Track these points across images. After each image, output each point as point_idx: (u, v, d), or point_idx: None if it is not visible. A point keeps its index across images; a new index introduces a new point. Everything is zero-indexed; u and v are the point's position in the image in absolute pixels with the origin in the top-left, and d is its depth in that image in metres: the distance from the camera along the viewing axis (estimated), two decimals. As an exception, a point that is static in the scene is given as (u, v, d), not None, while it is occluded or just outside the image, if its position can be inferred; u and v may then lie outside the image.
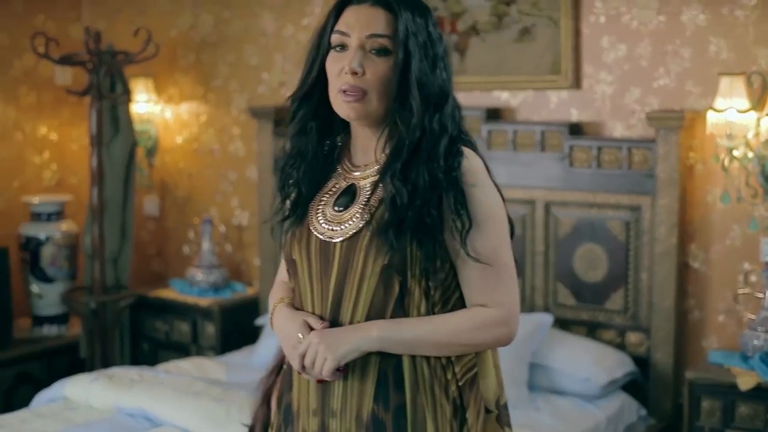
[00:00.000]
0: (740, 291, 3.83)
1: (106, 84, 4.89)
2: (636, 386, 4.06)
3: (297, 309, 1.98)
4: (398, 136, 1.90)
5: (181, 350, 4.96)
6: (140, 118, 5.39)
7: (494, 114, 4.41)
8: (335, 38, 1.92)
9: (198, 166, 5.42)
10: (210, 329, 4.88)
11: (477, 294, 1.90)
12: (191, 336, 4.97)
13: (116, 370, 3.99)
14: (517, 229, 4.25)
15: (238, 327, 4.87)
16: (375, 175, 1.93)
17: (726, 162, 3.82)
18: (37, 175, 5.50)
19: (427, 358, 1.88)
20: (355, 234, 1.88)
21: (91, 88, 4.83)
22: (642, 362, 4.05)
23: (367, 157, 1.98)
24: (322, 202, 1.97)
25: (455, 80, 4.23)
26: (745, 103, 3.74)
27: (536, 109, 4.37)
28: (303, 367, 1.88)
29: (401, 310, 1.87)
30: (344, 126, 2.03)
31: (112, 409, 3.66)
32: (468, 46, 4.45)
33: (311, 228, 1.95)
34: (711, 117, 3.84)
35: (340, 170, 2.01)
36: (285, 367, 2.06)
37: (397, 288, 1.86)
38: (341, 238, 1.90)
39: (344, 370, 1.88)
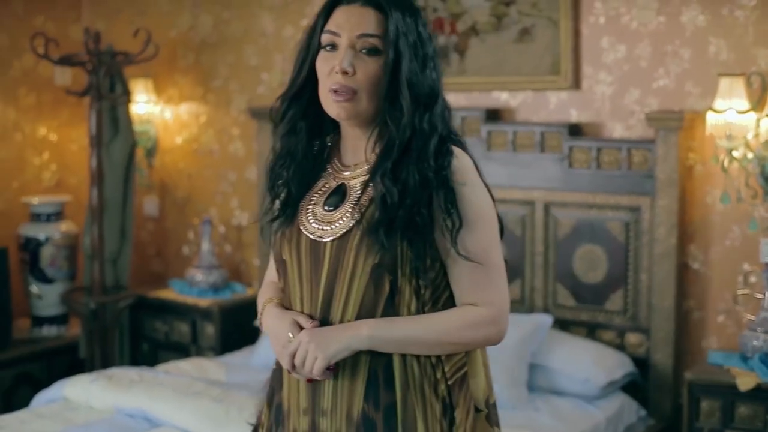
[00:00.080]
0: (740, 292, 3.83)
1: (105, 84, 4.89)
2: (635, 387, 4.06)
3: (287, 309, 1.98)
4: (388, 135, 1.90)
5: (181, 351, 4.96)
6: (140, 118, 5.39)
7: (494, 115, 4.42)
8: (325, 38, 1.92)
9: (198, 167, 5.43)
10: (209, 330, 4.88)
11: (467, 293, 1.91)
12: (191, 336, 4.97)
13: (116, 371, 3.99)
14: (517, 229, 4.27)
15: (238, 327, 4.87)
16: (365, 175, 1.93)
17: (726, 163, 3.82)
18: (36, 175, 5.50)
19: (417, 357, 1.89)
20: (345, 233, 1.89)
21: (90, 88, 4.83)
22: (641, 363, 4.05)
23: (356, 157, 1.99)
24: (312, 202, 1.97)
25: (455, 81, 4.24)
26: (744, 104, 3.74)
27: (536, 109, 4.38)
28: (293, 366, 1.88)
29: (392, 309, 1.88)
30: (334, 126, 2.03)
31: (111, 409, 3.66)
32: (467, 46, 4.46)
33: (301, 228, 1.95)
34: (710, 118, 3.84)
35: (329, 170, 2.01)
36: (275, 366, 2.07)
37: (387, 287, 1.87)
38: (331, 238, 1.90)
39: (334, 369, 1.88)
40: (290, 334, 1.90)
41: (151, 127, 5.46)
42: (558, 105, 4.32)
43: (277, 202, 2.01)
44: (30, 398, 4.09)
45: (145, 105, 5.41)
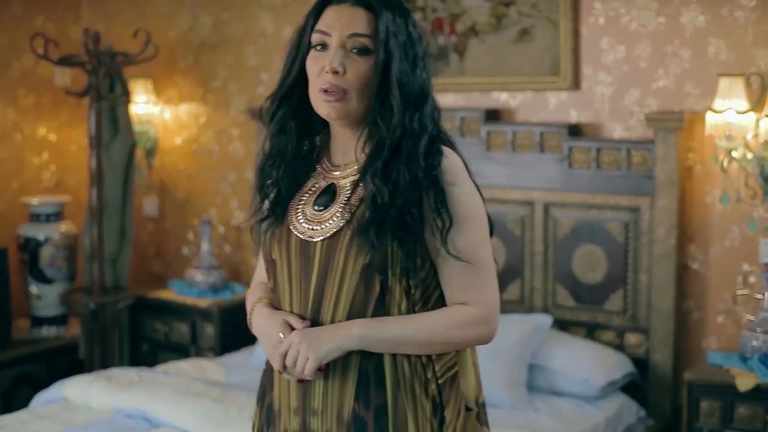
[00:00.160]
0: (739, 292, 3.83)
1: (105, 85, 4.89)
2: (635, 387, 4.06)
3: (276, 309, 1.98)
4: (378, 135, 1.90)
5: (180, 351, 4.96)
6: (139, 119, 5.39)
7: (493, 115, 4.42)
8: (316, 38, 1.93)
9: (197, 167, 5.43)
10: (209, 330, 4.87)
11: (457, 292, 1.91)
12: (190, 337, 4.97)
13: (115, 371, 3.99)
14: (516, 230, 4.27)
15: (237, 328, 4.86)
16: (355, 175, 1.93)
17: (725, 163, 3.82)
18: (36, 176, 5.50)
19: (408, 356, 1.89)
20: (335, 233, 1.89)
21: (90, 89, 4.83)
22: (641, 363, 4.05)
23: (346, 157, 1.99)
24: (302, 202, 1.98)
25: (455, 81, 4.24)
26: (744, 104, 3.74)
27: (535, 110, 4.38)
28: (284, 367, 1.88)
29: (382, 309, 1.88)
30: (323, 126, 2.03)
31: (111, 410, 3.66)
32: (467, 47, 4.46)
33: (291, 227, 1.95)
34: (710, 118, 3.84)
35: (319, 170, 2.01)
36: (265, 366, 2.07)
37: (377, 287, 1.87)
38: (321, 238, 1.90)
39: (325, 370, 1.88)
40: (281, 335, 1.90)
41: (151, 128, 5.46)
42: (557, 105, 4.32)
43: (267, 202, 2.01)
44: (29, 399, 4.09)
45: (144, 105, 5.41)
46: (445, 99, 4.57)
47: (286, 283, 1.96)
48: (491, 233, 1.98)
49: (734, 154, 3.80)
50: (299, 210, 1.97)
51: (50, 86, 5.48)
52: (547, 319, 4.05)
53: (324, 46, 1.91)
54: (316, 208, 1.95)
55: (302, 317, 1.92)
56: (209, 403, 3.54)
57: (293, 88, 1.98)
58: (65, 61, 4.90)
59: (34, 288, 5.10)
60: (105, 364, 4.84)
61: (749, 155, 3.79)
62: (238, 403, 3.50)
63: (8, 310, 4.86)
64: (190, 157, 5.44)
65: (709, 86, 3.89)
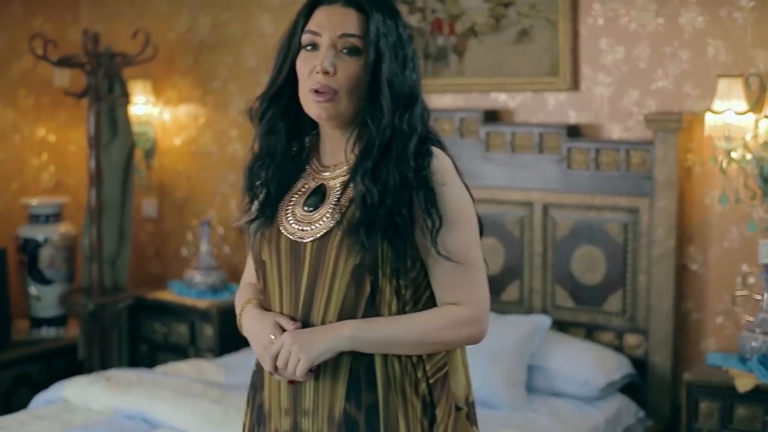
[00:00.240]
0: (738, 293, 3.83)
1: (104, 86, 4.89)
2: (634, 388, 4.06)
3: (266, 310, 1.98)
4: (368, 136, 1.90)
5: (180, 352, 4.96)
6: (138, 119, 5.39)
7: (492, 116, 4.42)
8: (306, 38, 1.93)
9: (196, 168, 5.42)
10: (208, 331, 4.87)
11: (448, 292, 1.91)
12: (189, 338, 4.96)
13: (114, 372, 3.99)
14: (515, 230, 4.27)
15: (237, 329, 4.85)
16: (345, 175, 1.93)
17: (724, 164, 3.82)
18: (35, 176, 5.50)
19: (399, 356, 1.89)
20: (325, 234, 1.89)
21: (89, 89, 4.83)
22: (640, 364, 4.05)
23: (336, 158, 1.99)
24: (292, 203, 1.98)
25: (454, 82, 4.24)
26: (743, 105, 3.74)
27: (534, 110, 4.38)
28: (275, 368, 1.89)
29: (372, 310, 1.88)
30: (312, 126, 2.03)
31: (110, 410, 3.66)
32: (466, 47, 4.46)
33: (281, 228, 1.95)
34: (709, 119, 3.84)
35: (308, 170, 2.01)
36: (255, 367, 2.06)
37: (368, 287, 1.87)
38: (312, 238, 1.90)
39: (316, 371, 1.88)
40: (272, 336, 1.90)
41: (150, 129, 5.46)
42: (556, 106, 4.32)
43: (256, 203, 2.01)
44: (29, 399, 4.09)
45: (143, 106, 5.40)
46: (444, 100, 4.58)
47: (276, 284, 1.96)
48: (481, 233, 1.98)
49: (733, 154, 3.80)
50: (289, 211, 1.97)
51: (49, 87, 5.48)
52: (546, 320, 4.05)
53: (314, 47, 1.92)
54: (305, 208, 1.95)
55: (293, 318, 1.92)
56: (208, 403, 3.54)
57: (283, 88, 1.98)
58: (64, 62, 4.90)
59: (33, 289, 5.10)
60: (104, 365, 4.84)
61: (748, 156, 3.79)
62: (238, 404, 3.50)
63: (7, 311, 4.86)
64: (189, 158, 5.44)
65: (708, 87, 3.89)
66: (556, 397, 3.92)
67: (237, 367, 4.33)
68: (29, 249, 5.06)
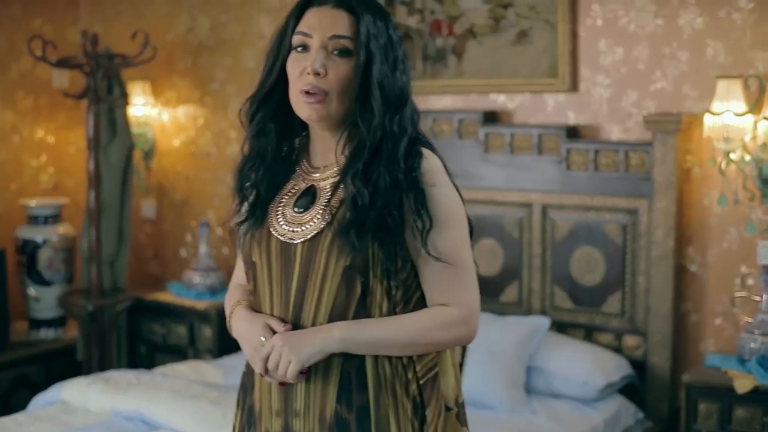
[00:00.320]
0: (737, 294, 3.83)
1: (103, 87, 4.89)
2: (633, 389, 4.06)
3: (256, 312, 1.98)
4: (359, 137, 1.90)
5: (178, 353, 4.96)
6: (137, 121, 5.39)
7: (491, 117, 4.42)
8: (297, 39, 1.93)
9: (195, 169, 5.42)
10: (207, 332, 4.87)
11: (438, 293, 1.91)
12: (188, 339, 4.96)
13: (113, 374, 3.98)
14: (514, 232, 4.27)
15: (236, 330, 4.86)
16: (335, 177, 1.93)
17: (723, 165, 3.82)
18: (34, 178, 5.50)
19: (389, 357, 1.90)
20: (316, 235, 1.89)
21: (88, 91, 4.83)
22: (639, 365, 4.05)
23: (326, 159, 1.99)
24: (282, 204, 1.98)
25: (453, 83, 4.24)
26: (742, 106, 3.74)
27: (533, 112, 4.38)
28: (266, 370, 1.89)
29: (363, 311, 1.88)
30: (302, 128, 2.03)
31: (109, 412, 3.66)
32: (465, 49, 4.46)
33: (271, 230, 1.95)
34: (708, 120, 3.84)
35: (298, 172, 2.01)
36: (245, 369, 2.06)
37: (359, 288, 1.87)
38: (302, 239, 1.90)
39: (307, 372, 1.88)
40: (263, 338, 1.90)
41: (149, 130, 5.46)
42: (555, 107, 4.32)
43: (246, 205, 2.01)
44: (27, 401, 4.09)
45: (142, 107, 5.40)
46: (443, 101, 4.58)
47: (266, 286, 1.96)
48: (471, 234, 1.98)
49: (732, 156, 3.80)
50: (279, 212, 1.97)
51: (48, 88, 5.48)
52: (545, 321, 4.04)
53: (305, 48, 1.92)
54: (296, 210, 1.95)
55: (283, 320, 1.91)
56: (207, 405, 3.54)
57: (273, 90, 1.98)
58: (63, 63, 4.90)
59: (32, 290, 5.09)
60: (103, 366, 4.84)
61: (747, 157, 3.79)
62: (236, 406, 3.49)
63: (6, 312, 4.86)
64: (188, 159, 5.44)
65: (707, 88, 3.89)
66: (554, 399, 3.92)
67: (236, 368, 4.33)
68: (28, 250, 5.06)
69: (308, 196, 1.95)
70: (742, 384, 3.52)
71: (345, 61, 1.89)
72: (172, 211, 5.55)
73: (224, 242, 5.25)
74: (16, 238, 5.11)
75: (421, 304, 1.94)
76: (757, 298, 3.72)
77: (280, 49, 1.96)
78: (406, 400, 1.90)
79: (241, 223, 2.01)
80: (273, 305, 1.94)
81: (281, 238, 1.93)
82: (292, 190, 1.99)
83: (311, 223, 1.91)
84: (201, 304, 4.91)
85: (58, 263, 5.09)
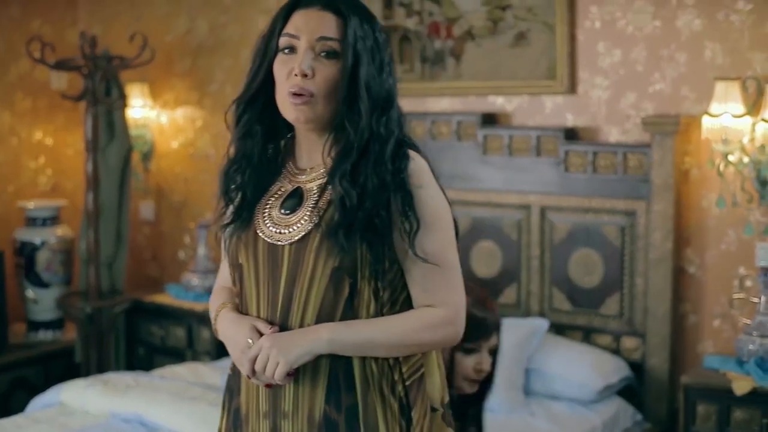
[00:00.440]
0: (735, 296, 3.83)
1: (101, 89, 4.89)
2: (631, 391, 4.06)
3: (241, 314, 1.98)
4: (346, 138, 1.91)
5: (177, 355, 4.96)
6: (136, 123, 5.39)
7: (490, 119, 4.42)
8: (284, 41, 1.93)
9: (194, 171, 5.42)
10: (205, 334, 4.87)
11: (424, 294, 1.92)
12: (187, 341, 4.96)
13: (112, 376, 3.98)
14: (513, 233, 4.27)
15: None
16: (322, 178, 1.94)
17: (721, 167, 3.82)
18: (32, 180, 5.50)
19: (376, 358, 1.90)
20: (304, 237, 1.89)
21: (86, 93, 4.83)
22: (637, 367, 4.05)
23: (312, 161, 1.99)
24: (268, 206, 1.98)
25: (451, 85, 4.24)
26: (740, 108, 3.74)
27: (532, 114, 4.38)
28: (254, 372, 1.88)
29: (351, 311, 1.88)
30: (288, 129, 2.04)
31: (107, 414, 3.65)
32: (463, 51, 4.46)
33: (258, 232, 1.95)
34: (706, 122, 3.84)
35: (284, 173, 2.02)
36: (230, 372, 2.06)
37: (347, 290, 1.88)
38: (289, 241, 1.90)
39: (294, 374, 1.88)
40: (250, 340, 1.89)
41: (147, 132, 5.46)
42: (554, 109, 4.32)
43: (231, 207, 2.01)
44: (26, 403, 4.08)
45: (141, 109, 5.40)
46: (441, 103, 4.58)
47: (253, 288, 1.95)
48: (457, 236, 1.99)
49: (730, 157, 3.80)
50: (266, 214, 1.97)
51: (47, 90, 5.48)
52: (543, 323, 4.05)
53: (292, 50, 1.92)
54: (282, 211, 1.95)
55: (270, 322, 1.92)
56: (206, 407, 3.54)
57: (259, 92, 1.99)
58: (62, 65, 4.90)
59: (30, 292, 5.09)
60: (101, 368, 4.83)
61: (745, 159, 3.79)
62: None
63: (4, 315, 4.86)
64: (187, 161, 5.44)
65: (705, 90, 3.89)
66: (553, 400, 3.92)
67: (234, 370, 4.33)
68: (26, 252, 5.06)
69: (295, 198, 1.95)
70: (741, 386, 3.52)
71: (332, 62, 1.90)
72: (171, 213, 5.55)
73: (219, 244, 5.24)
74: (14, 240, 5.11)
75: (407, 304, 1.94)
76: (756, 300, 3.72)
77: (267, 51, 1.96)
78: (393, 401, 1.90)
79: (227, 225, 2.01)
80: (260, 307, 1.94)
81: (268, 240, 1.93)
82: (278, 192, 1.99)
83: (298, 225, 1.91)
84: (199, 306, 4.91)
85: (56, 265, 5.09)
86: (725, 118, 3.76)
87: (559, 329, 4.19)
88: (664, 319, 3.95)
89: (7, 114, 5.35)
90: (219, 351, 4.82)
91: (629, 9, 4.10)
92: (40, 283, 5.08)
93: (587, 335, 4.17)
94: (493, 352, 2.78)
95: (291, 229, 1.91)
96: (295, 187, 1.98)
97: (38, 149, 5.52)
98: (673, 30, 4.00)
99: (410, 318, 1.91)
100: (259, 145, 2.00)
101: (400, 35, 4.60)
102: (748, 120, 3.77)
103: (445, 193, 1.97)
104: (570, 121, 4.28)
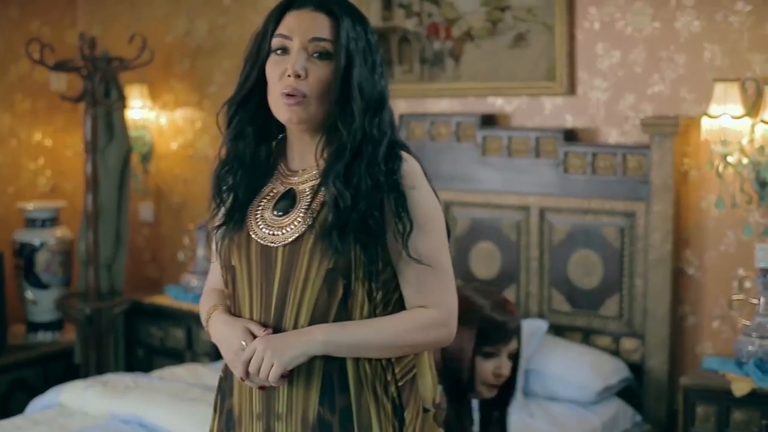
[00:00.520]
0: (735, 297, 3.83)
1: (100, 90, 4.89)
2: (631, 392, 4.06)
3: (234, 316, 1.98)
4: (339, 140, 1.91)
5: (176, 356, 4.96)
6: (135, 124, 5.39)
7: (489, 120, 4.42)
8: (277, 42, 1.93)
9: (193, 172, 5.42)
10: (205, 335, 4.87)
11: (417, 295, 1.93)
12: (186, 342, 4.96)
13: (111, 377, 3.98)
14: (512, 235, 4.27)
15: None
16: (314, 180, 1.94)
17: (720, 168, 3.82)
18: (31, 181, 5.50)
19: (369, 359, 1.90)
20: (297, 238, 1.89)
21: (85, 94, 4.83)
22: (637, 368, 4.05)
23: (304, 162, 1.99)
24: (261, 207, 1.98)
25: (450, 86, 4.24)
26: (739, 109, 3.74)
27: (531, 115, 4.38)
28: (247, 374, 1.88)
29: (344, 313, 1.89)
30: (279, 130, 2.03)
31: (106, 415, 3.65)
32: (462, 52, 4.46)
33: (251, 233, 1.95)
34: (705, 123, 3.84)
35: (276, 175, 2.02)
36: (222, 374, 2.06)
37: (341, 291, 1.88)
38: (283, 243, 1.90)
39: (288, 376, 1.88)
40: (243, 342, 1.89)
41: (147, 133, 5.46)
42: (553, 110, 4.32)
43: (223, 209, 2.01)
44: (25, 404, 4.08)
45: (140, 110, 5.41)
46: (440, 104, 4.58)
47: (246, 290, 1.95)
48: (449, 237, 1.99)
49: (729, 159, 3.80)
50: (258, 215, 1.96)
51: (46, 91, 5.48)
52: (542, 325, 4.05)
53: (285, 51, 1.92)
54: (275, 213, 1.95)
55: (264, 324, 1.91)
56: (205, 408, 3.53)
57: (251, 93, 1.98)
58: (61, 66, 4.90)
59: (29, 293, 5.09)
60: (100, 369, 4.83)
61: (744, 160, 3.79)
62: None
63: (4, 316, 4.86)
64: (186, 162, 5.44)
65: (705, 91, 3.89)
66: (552, 402, 3.92)
67: (233, 371, 4.33)
68: (25, 253, 5.06)
69: (287, 200, 1.95)
70: (740, 387, 3.52)
71: (325, 63, 1.90)
72: (170, 215, 5.55)
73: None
74: (13, 241, 5.11)
75: (400, 305, 1.95)
76: (755, 301, 3.72)
77: (259, 52, 1.96)
78: (386, 401, 1.91)
79: (219, 227, 2.01)
80: (253, 309, 1.94)
81: (261, 242, 1.93)
82: (271, 194, 1.99)
83: (292, 227, 1.91)
84: (198, 308, 4.89)
85: (55, 266, 5.09)
86: (724, 119, 3.76)
87: (558, 330, 4.19)
88: (664, 320, 3.95)
89: (7, 115, 5.35)
90: (218, 352, 4.79)
91: (628, 10, 4.10)
92: (40, 285, 5.08)
93: (586, 336, 4.17)
94: (513, 357, 2.78)
95: (284, 231, 1.91)
96: (287, 188, 1.97)
97: (37, 150, 5.52)
98: (672, 31, 4.01)
99: (403, 319, 1.91)
100: (251, 146, 2.00)
101: (400, 36, 4.60)
102: (748, 121, 3.77)
103: (437, 195, 1.97)
104: (569, 122, 4.28)
